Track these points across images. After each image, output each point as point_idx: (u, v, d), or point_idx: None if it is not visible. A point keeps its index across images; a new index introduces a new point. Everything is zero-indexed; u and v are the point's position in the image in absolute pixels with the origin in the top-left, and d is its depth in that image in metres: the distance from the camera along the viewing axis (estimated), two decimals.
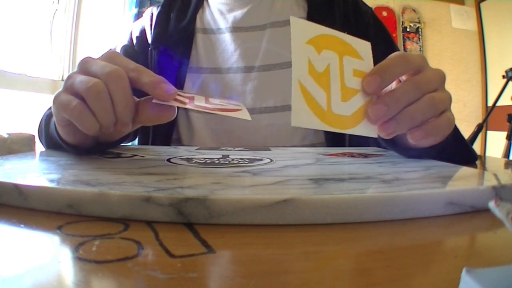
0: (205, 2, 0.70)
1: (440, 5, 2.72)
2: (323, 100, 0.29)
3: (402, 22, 2.66)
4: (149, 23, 0.69)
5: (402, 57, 0.34)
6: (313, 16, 0.65)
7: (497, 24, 2.62)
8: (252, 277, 0.16)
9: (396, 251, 0.20)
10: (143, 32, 0.69)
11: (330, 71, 0.29)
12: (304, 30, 0.28)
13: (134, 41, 0.69)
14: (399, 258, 0.18)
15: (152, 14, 0.70)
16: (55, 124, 0.41)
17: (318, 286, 0.15)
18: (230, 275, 0.16)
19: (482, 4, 2.73)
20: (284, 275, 0.16)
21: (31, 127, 0.57)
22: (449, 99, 0.36)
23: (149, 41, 0.67)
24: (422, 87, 0.34)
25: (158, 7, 0.71)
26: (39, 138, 0.54)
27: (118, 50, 0.68)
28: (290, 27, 0.28)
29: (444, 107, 0.36)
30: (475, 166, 0.45)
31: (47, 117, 0.51)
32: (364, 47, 0.33)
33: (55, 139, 0.43)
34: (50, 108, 0.55)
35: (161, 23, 0.67)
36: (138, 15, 1.82)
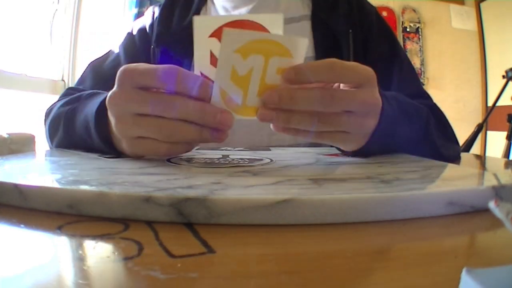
0: (208, 0, 0.70)
1: (440, 5, 2.72)
2: (239, 98, 0.34)
3: (402, 22, 2.66)
4: (150, 21, 0.69)
5: (332, 64, 0.34)
6: (317, 14, 0.65)
7: (497, 24, 2.62)
8: (252, 277, 0.16)
9: (396, 251, 0.20)
10: (145, 30, 0.69)
11: (252, 73, 0.33)
12: (234, 39, 0.31)
13: (136, 39, 0.69)
14: (399, 258, 0.18)
15: (154, 12, 0.70)
16: (106, 131, 0.40)
17: (318, 286, 0.15)
18: (230, 275, 0.16)
19: (482, 4, 2.73)
20: (284, 275, 0.16)
21: (31, 127, 0.56)
22: (366, 104, 0.35)
23: (152, 39, 0.67)
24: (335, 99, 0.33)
25: (159, 6, 0.71)
26: (49, 136, 0.52)
27: (118, 49, 0.68)
28: (222, 38, 0.31)
29: (347, 106, 0.34)
30: (457, 162, 0.46)
31: (69, 115, 0.48)
32: (298, 44, 0.34)
33: (82, 141, 0.43)
34: (62, 104, 0.51)
35: (163, 20, 0.67)
36: (138, 15, 1.82)
